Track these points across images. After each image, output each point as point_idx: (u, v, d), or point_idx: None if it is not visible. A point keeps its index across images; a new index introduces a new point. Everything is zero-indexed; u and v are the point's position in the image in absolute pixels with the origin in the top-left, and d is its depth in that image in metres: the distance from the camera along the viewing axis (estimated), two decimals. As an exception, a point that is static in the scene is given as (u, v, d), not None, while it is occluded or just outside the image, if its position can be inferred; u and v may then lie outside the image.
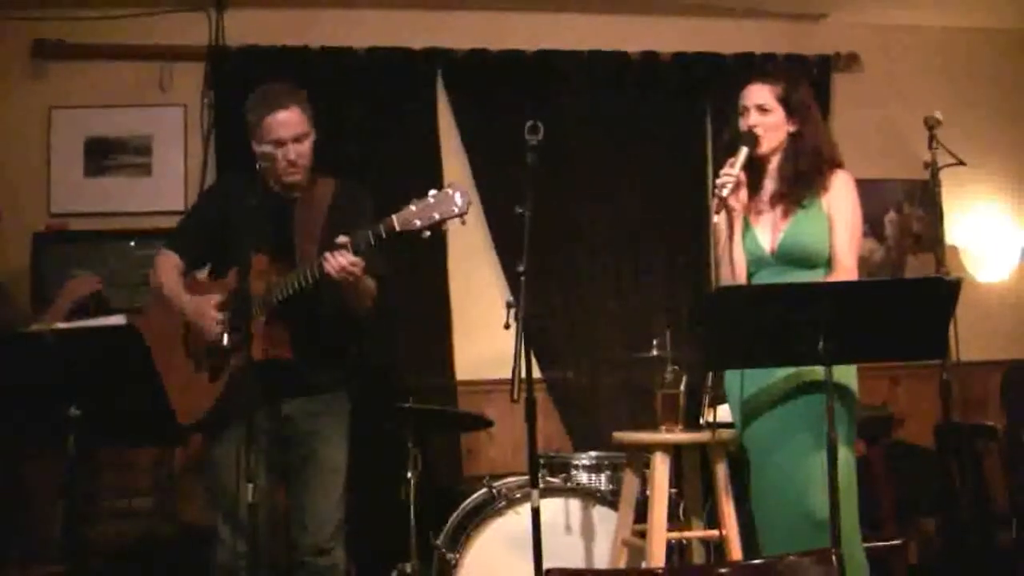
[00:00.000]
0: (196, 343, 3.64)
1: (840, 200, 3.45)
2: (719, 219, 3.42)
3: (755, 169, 3.52)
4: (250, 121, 3.62)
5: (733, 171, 3.39)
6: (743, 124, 3.49)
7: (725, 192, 3.37)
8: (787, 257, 3.44)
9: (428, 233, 3.34)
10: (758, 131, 3.46)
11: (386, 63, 5.55)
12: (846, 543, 3.08)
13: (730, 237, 3.46)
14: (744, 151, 3.42)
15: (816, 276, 3.42)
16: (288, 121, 3.57)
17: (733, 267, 3.47)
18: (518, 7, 5.67)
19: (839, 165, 3.51)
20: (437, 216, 3.33)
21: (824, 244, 3.43)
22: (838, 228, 3.43)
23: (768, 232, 3.49)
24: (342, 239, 3.37)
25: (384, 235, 3.35)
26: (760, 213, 3.52)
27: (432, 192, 3.35)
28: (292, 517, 3.70)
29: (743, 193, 3.45)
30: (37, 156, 5.35)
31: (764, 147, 3.47)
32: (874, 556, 3.50)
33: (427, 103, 5.62)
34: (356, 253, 3.37)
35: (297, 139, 3.59)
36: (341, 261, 3.35)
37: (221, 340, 3.48)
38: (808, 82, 3.64)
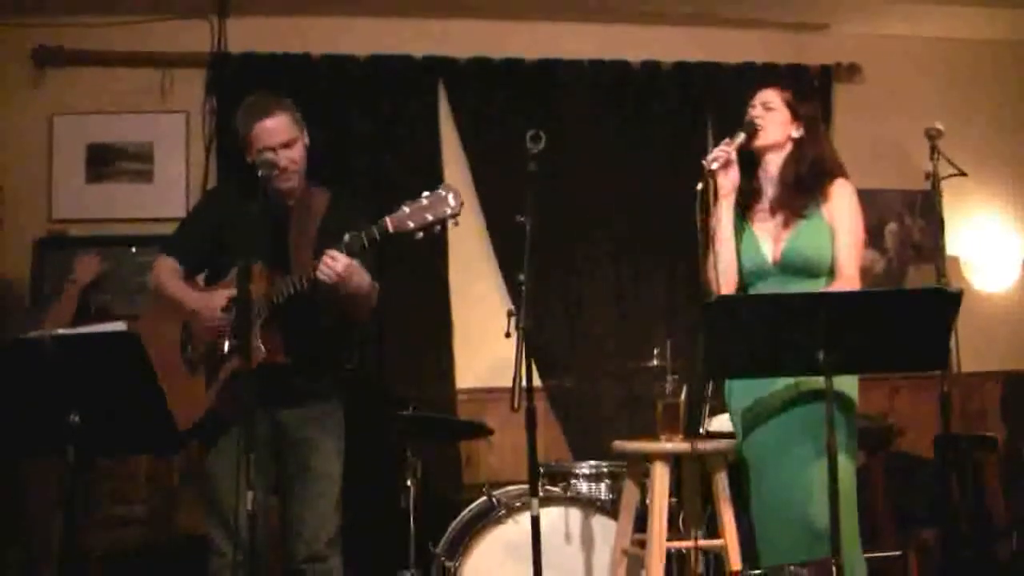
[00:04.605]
0: (194, 347, 3.64)
1: (841, 209, 3.46)
2: (703, 189, 3.43)
3: (755, 172, 3.57)
4: (240, 134, 3.64)
5: (726, 148, 3.45)
6: (747, 117, 3.55)
7: (715, 165, 3.42)
8: (790, 267, 3.45)
9: (421, 234, 3.35)
10: (759, 122, 3.51)
11: (388, 71, 5.55)
12: (846, 553, 3.07)
13: (714, 226, 3.48)
14: (741, 136, 3.49)
15: (818, 285, 3.42)
16: (276, 128, 3.59)
17: (717, 253, 3.47)
18: (520, 16, 5.68)
19: (842, 175, 3.53)
20: (430, 217, 3.34)
21: (826, 253, 3.44)
22: (840, 237, 3.44)
23: (770, 242, 3.50)
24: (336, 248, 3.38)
25: (378, 237, 3.36)
26: (762, 221, 3.53)
27: (425, 193, 3.37)
28: (287, 526, 3.69)
29: (733, 174, 3.49)
30: (38, 162, 5.35)
31: (763, 139, 3.52)
32: (874, 567, 3.49)
33: (428, 111, 5.62)
34: (351, 255, 3.39)
35: (286, 145, 3.61)
36: (336, 267, 3.36)
37: (222, 343, 3.48)
38: (817, 101, 3.71)
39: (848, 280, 3.40)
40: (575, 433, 5.48)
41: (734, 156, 3.47)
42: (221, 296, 3.58)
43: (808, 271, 3.44)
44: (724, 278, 3.49)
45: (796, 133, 3.52)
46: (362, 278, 3.53)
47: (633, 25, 5.80)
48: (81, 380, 2.85)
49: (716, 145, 3.51)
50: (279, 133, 3.59)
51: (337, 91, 5.44)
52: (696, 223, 3.35)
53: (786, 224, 3.48)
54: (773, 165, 3.55)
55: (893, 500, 5.01)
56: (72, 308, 4.75)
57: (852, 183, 3.53)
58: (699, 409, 4.09)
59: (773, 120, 3.52)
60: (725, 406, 3.63)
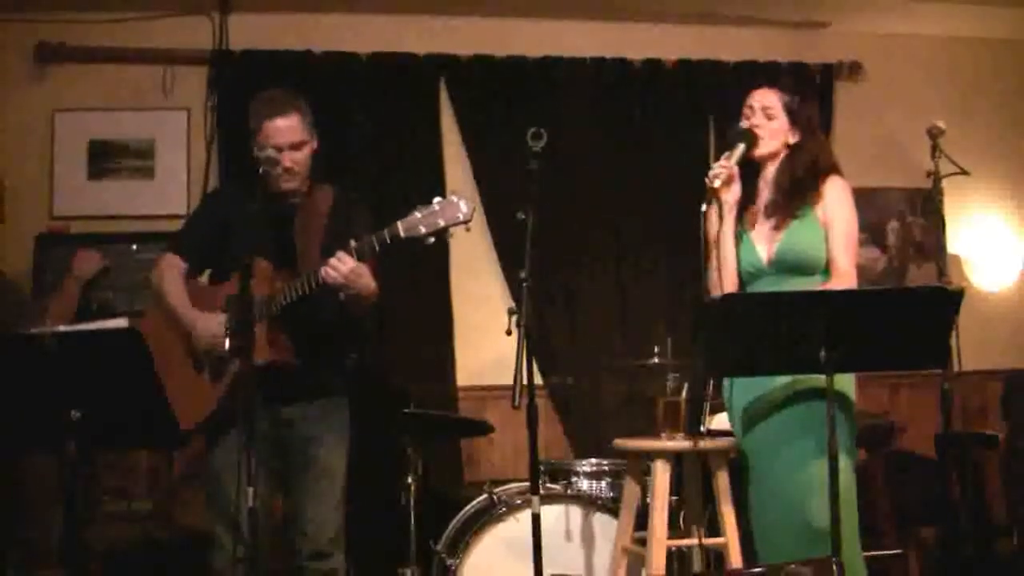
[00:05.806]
0: (199, 345, 3.64)
1: (834, 206, 3.44)
2: (708, 209, 3.41)
3: (751, 177, 3.54)
4: (251, 126, 3.62)
5: (727, 163, 3.42)
6: (744, 122, 3.51)
7: (717, 183, 3.39)
8: (783, 266, 3.44)
9: (432, 240, 3.37)
10: (759, 132, 3.47)
11: (389, 68, 5.55)
12: (846, 552, 3.07)
13: (718, 239, 3.47)
14: (741, 147, 3.44)
15: (814, 283, 3.41)
16: (286, 128, 3.58)
17: (721, 265, 3.47)
18: (522, 14, 5.68)
19: (836, 172, 3.51)
20: (442, 223, 3.35)
21: (820, 251, 3.43)
22: (834, 234, 3.43)
23: (764, 243, 3.49)
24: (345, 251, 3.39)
25: (389, 241, 3.37)
26: (757, 224, 3.52)
27: (437, 199, 3.37)
28: (291, 522, 3.70)
29: (736, 188, 3.46)
30: (40, 159, 5.36)
31: (762, 149, 3.49)
32: (874, 565, 3.49)
33: (430, 109, 5.63)
34: (360, 259, 3.39)
35: (294, 147, 3.60)
36: (342, 269, 3.37)
37: (223, 346, 3.49)
38: (815, 102, 3.66)
39: (844, 277, 3.39)
40: (576, 431, 5.49)
41: (736, 171, 3.44)
42: (220, 320, 3.57)
43: (801, 269, 3.43)
44: (728, 289, 3.48)
45: (793, 139, 3.50)
46: (368, 281, 3.53)
47: (634, 23, 5.80)
48: (82, 376, 2.85)
49: (717, 146, 3.49)
50: (289, 134, 3.58)
51: (338, 88, 5.44)
52: (701, 239, 3.34)
53: (779, 225, 3.47)
54: (770, 169, 3.53)
55: (893, 499, 5.00)
56: (73, 304, 4.75)
57: (851, 181, 3.51)
58: (700, 407, 4.09)
59: (772, 128, 3.48)
60: (725, 404, 3.63)
